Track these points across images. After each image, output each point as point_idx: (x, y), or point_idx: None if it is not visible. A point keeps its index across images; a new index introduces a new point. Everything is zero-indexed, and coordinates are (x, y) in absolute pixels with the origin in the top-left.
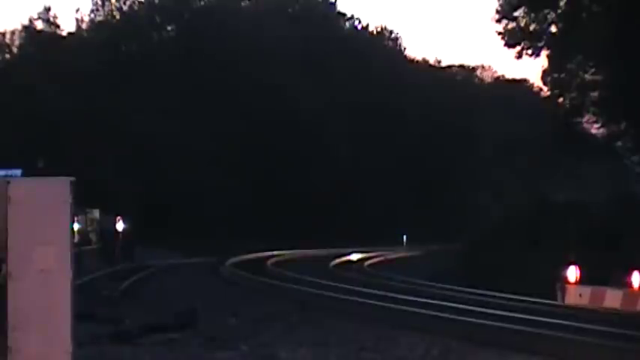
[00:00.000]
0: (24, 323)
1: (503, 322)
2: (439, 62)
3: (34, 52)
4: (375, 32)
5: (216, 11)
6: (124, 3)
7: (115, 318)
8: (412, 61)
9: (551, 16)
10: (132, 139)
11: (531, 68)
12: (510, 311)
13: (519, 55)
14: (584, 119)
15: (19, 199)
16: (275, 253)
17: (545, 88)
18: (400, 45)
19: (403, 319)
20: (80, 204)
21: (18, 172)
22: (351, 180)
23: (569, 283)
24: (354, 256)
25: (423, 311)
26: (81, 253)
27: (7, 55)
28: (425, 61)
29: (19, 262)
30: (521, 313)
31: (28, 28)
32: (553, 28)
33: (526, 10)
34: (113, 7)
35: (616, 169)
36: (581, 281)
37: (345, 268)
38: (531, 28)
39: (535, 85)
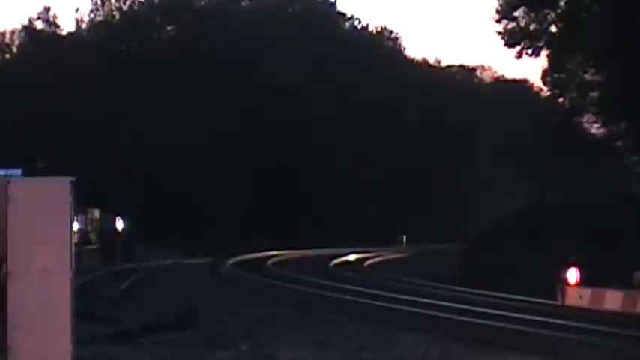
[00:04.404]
0: (24, 322)
1: (503, 322)
2: (439, 62)
3: (34, 52)
4: (375, 32)
5: (216, 11)
6: (124, 3)
7: (114, 318)
8: (412, 61)
9: (551, 16)
10: (132, 138)
11: (531, 68)
12: (510, 311)
13: (519, 55)
14: (584, 119)
15: (19, 199)
16: (275, 253)
17: (545, 88)
18: (400, 45)
19: (403, 319)
20: (80, 204)
21: (18, 172)
22: (351, 180)
23: (569, 284)
24: (354, 256)
25: (423, 311)
26: (81, 252)
27: (7, 55)
28: (425, 61)
29: (20, 262)
30: (521, 313)
31: (28, 28)
32: (553, 28)
33: (526, 10)
34: (113, 7)
35: (616, 168)
36: (581, 282)
37: (345, 268)
38: (531, 28)
39: (535, 85)
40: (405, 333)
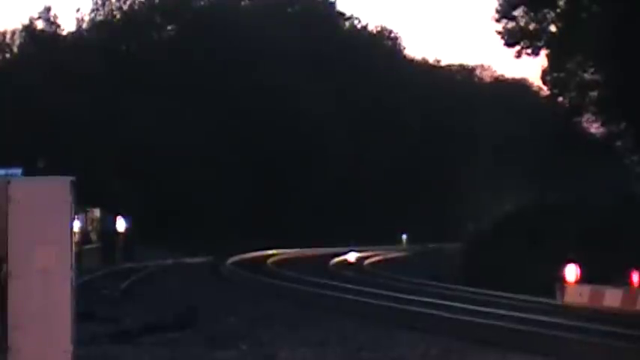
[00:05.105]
0: (24, 322)
1: (503, 322)
2: (439, 62)
3: (34, 52)
4: (374, 32)
5: (216, 11)
6: (124, 3)
7: (115, 318)
8: (412, 60)
9: (551, 15)
10: (132, 138)
11: (531, 68)
12: (510, 310)
13: (519, 55)
14: (584, 119)
15: (19, 198)
16: (275, 252)
17: (545, 88)
18: (400, 45)
19: (403, 318)
20: (80, 204)
21: (18, 172)
22: (351, 180)
23: (568, 282)
24: (354, 256)
25: (424, 311)
26: (81, 252)
27: (7, 55)
28: (425, 61)
29: (20, 262)
30: (520, 312)
31: (28, 28)
32: (552, 28)
33: (525, 9)
34: (113, 7)
35: (616, 168)
36: (581, 280)
37: (345, 268)
38: (531, 27)
39: (535, 84)
40: (405, 332)
